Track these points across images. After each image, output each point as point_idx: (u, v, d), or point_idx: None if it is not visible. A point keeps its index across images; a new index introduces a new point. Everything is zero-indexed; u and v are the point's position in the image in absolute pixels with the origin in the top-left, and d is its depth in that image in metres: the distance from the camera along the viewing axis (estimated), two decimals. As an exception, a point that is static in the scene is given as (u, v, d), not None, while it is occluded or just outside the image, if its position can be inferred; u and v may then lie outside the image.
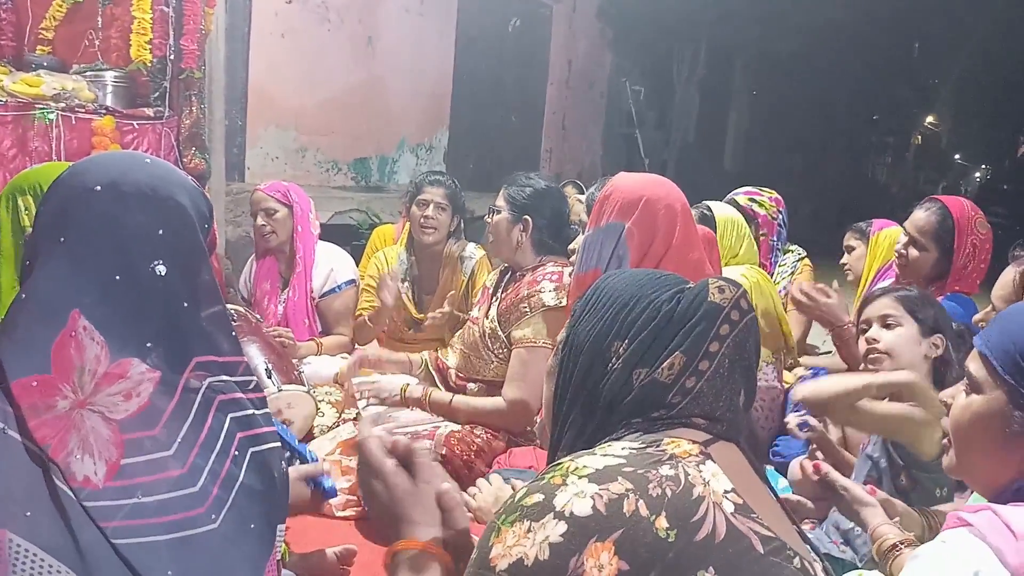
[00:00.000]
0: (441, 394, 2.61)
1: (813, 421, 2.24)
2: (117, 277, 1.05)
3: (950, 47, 16.16)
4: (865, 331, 2.09)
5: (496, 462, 2.46)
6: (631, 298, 1.05)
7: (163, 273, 1.07)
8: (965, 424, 1.12)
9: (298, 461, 1.57)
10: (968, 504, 1.72)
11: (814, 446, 2.04)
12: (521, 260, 2.65)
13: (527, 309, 2.50)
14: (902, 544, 1.43)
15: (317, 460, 1.61)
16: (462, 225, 3.42)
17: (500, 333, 2.59)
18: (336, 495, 1.63)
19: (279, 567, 1.16)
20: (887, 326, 2.01)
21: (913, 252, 2.68)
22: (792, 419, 2.27)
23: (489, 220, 2.70)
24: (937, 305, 2.03)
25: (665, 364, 1.00)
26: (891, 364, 1.99)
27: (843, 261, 3.74)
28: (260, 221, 3.28)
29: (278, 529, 1.13)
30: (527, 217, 2.61)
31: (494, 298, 2.71)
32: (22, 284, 1.07)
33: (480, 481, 1.91)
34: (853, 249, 3.64)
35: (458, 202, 3.33)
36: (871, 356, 2.03)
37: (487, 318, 2.67)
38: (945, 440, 1.20)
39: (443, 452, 2.44)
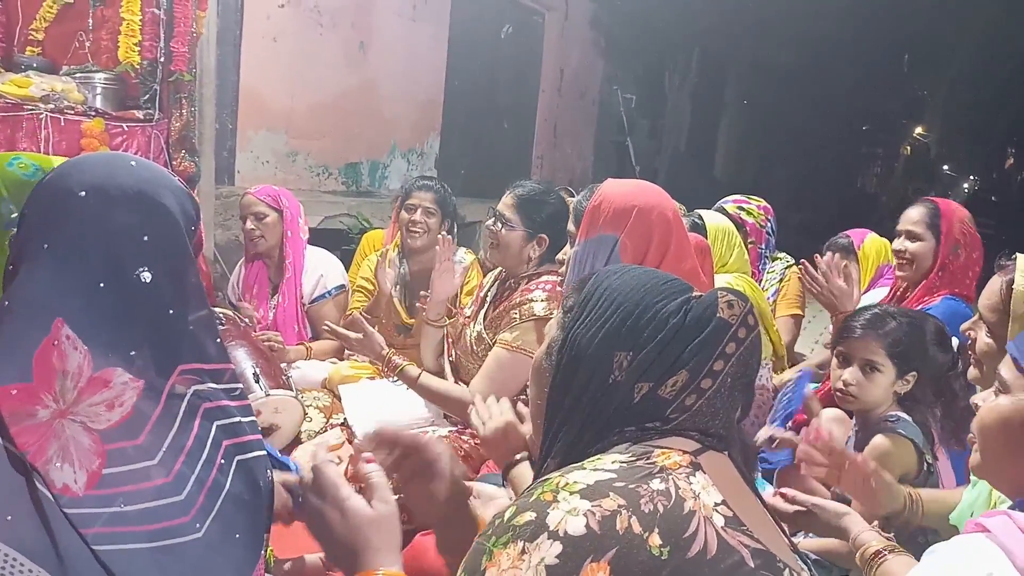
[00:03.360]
0: (413, 369, 2.61)
1: (780, 433, 2.25)
2: (102, 284, 1.04)
3: (940, 59, 16.26)
4: (842, 354, 2.09)
5: (485, 466, 2.46)
6: (636, 306, 1.01)
7: (148, 280, 1.06)
8: (990, 424, 1.12)
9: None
10: (961, 489, 1.74)
11: (800, 459, 2.05)
12: (522, 271, 2.65)
13: (516, 316, 2.50)
14: (885, 551, 1.43)
15: (299, 470, 1.60)
16: (455, 230, 3.41)
17: (486, 338, 2.59)
18: None
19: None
20: (866, 371, 2.02)
21: (910, 245, 2.77)
22: (763, 432, 2.28)
23: (493, 228, 2.66)
24: (923, 338, 2.00)
25: (669, 381, 0.98)
26: (857, 404, 2.06)
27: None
28: (249, 225, 3.27)
29: (263, 538, 1.12)
30: (543, 236, 2.60)
31: (485, 303, 2.71)
32: (5, 289, 1.06)
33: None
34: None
35: (448, 207, 3.32)
36: (841, 395, 2.07)
37: (475, 321, 2.67)
38: (970, 436, 1.21)
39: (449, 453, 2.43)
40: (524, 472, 1.55)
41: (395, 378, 2.69)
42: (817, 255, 2.83)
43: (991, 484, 1.29)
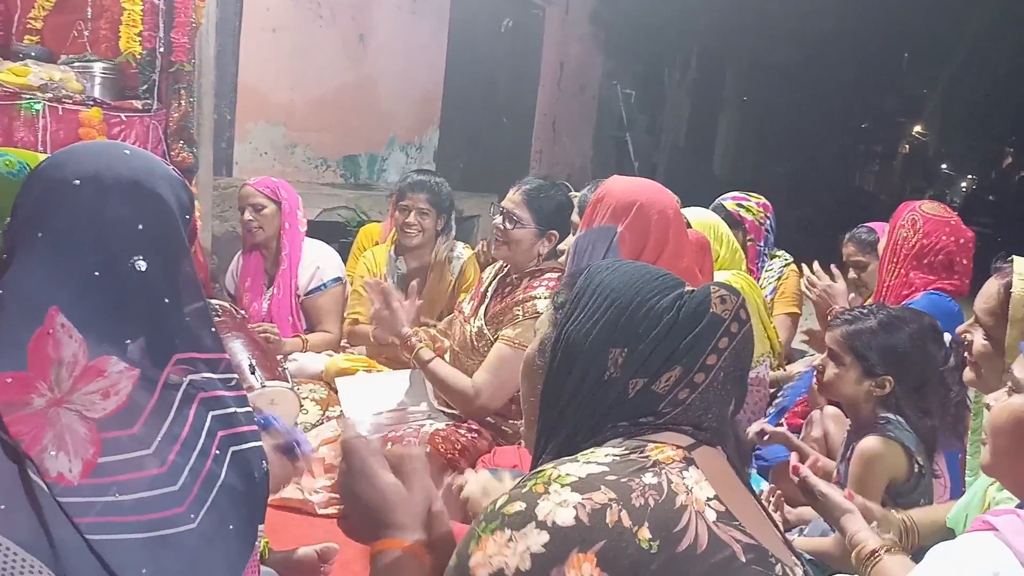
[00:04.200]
0: (427, 352, 2.58)
1: (770, 428, 2.27)
2: (96, 273, 1.04)
3: (939, 58, 16.27)
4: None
5: (480, 461, 2.46)
6: (630, 302, 1.01)
7: (143, 269, 1.05)
8: (1002, 424, 1.11)
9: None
10: (953, 502, 1.74)
11: (795, 453, 2.06)
12: (527, 265, 2.64)
13: (519, 313, 2.50)
14: (881, 550, 1.44)
15: (279, 423, 1.58)
16: (452, 224, 3.39)
17: (487, 333, 2.59)
18: (312, 449, 1.63)
19: (259, 567, 1.15)
20: (832, 361, 2.02)
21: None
22: (754, 427, 2.30)
23: (501, 225, 2.62)
24: (894, 344, 1.96)
25: (663, 376, 0.99)
26: (827, 392, 2.08)
27: (853, 276, 3.36)
28: (247, 216, 3.26)
29: (257, 529, 1.12)
30: (554, 232, 2.59)
31: (486, 297, 2.71)
32: None
33: (468, 472, 1.88)
34: (866, 265, 3.32)
35: (443, 203, 3.30)
36: (818, 383, 2.09)
37: (476, 316, 2.67)
38: (982, 439, 1.20)
39: (427, 450, 2.43)
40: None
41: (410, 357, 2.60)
42: (804, 265, 2.92)
43: (1001, 483, 1.28)
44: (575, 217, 2.26)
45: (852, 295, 3.13)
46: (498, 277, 2.75)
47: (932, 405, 1.94)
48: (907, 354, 1.95)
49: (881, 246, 2.87)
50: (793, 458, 1.71)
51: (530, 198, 2.62)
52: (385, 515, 1.01)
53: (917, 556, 1.73)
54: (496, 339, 2.54)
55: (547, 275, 2.57)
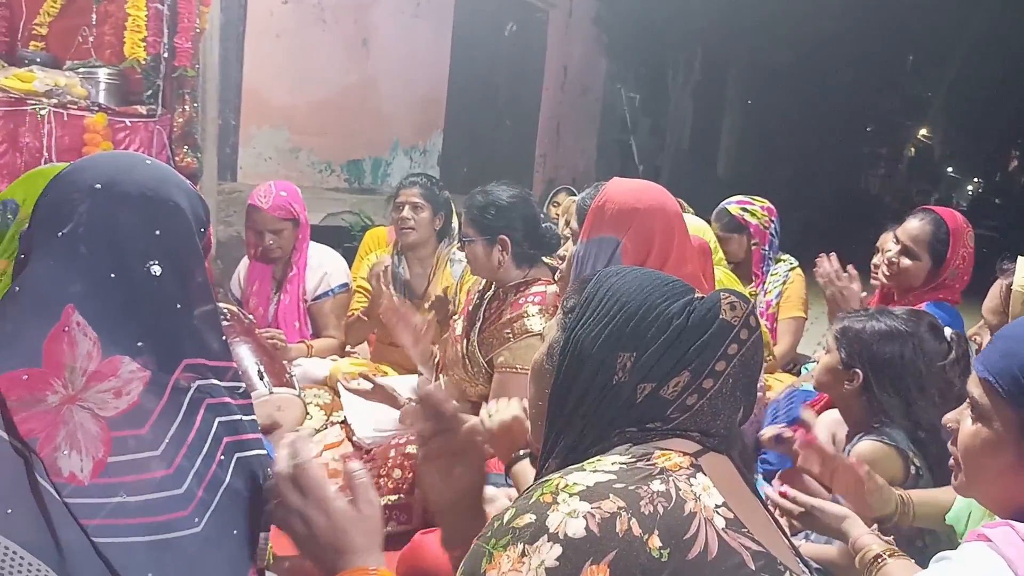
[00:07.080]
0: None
1: (788, 432, 2.24)
2: (112, 275, 1.04)
3: (942, 59, 16.27)
4: None
5: (486, 465, 2.44)
6: (639, 307, 1.02)
7: (157, 273, 1.07)
8: (976, 452, 1.11)
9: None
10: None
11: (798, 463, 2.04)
12: (504, 277, 2.57)
13: (510, 335, 2.44)
14: (884, 554, 1.44)
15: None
16: (453, 224, 3.37)
17: (479, 357, 2.53)
18: None
19: (263, 572, 1.15)
20: (825, 352, 2.05)
21: (905, 261, 2.66)
22: (769, 431, 2.28)
23: (461, 249, 2.63)
24: (870, 340, 1.96)
25: (671, 381, 0.99)
26: (821, 390, 2.14)
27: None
28: (268, 241, 3.20)
29: (262, 537, 1.12)
30: (503, 237, 2.53)
31: (475, 317, 2.64)
32: (15, 277, 1.06)
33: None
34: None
35: (438, 200, 3.27)
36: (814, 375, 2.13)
37: (467, 339, 2.61)
38: (952, 461, 1.19)
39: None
40: (527, 468, 1.54)
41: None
42: (823, 254, 2.81)
43: (979, 502, 1.29)
44: (574, 224, 2.20)
45: (865, 294, 3.02)
46: (485, 296, 2.69)
47: (928, 413, 1.93)
48: (894, 366, 1.94)
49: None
50: (777, 484, 1.70)
51: (472, 214, 2.60)
52: (343, 542, 0.98)
53: (916, 548, 1.75)
54: (491, 365, 2.48)
55: (532, 289, 2.50)
